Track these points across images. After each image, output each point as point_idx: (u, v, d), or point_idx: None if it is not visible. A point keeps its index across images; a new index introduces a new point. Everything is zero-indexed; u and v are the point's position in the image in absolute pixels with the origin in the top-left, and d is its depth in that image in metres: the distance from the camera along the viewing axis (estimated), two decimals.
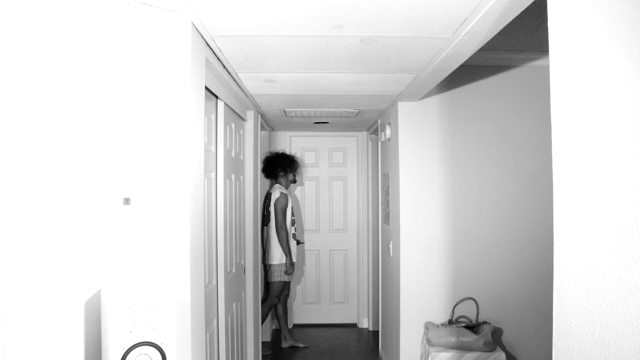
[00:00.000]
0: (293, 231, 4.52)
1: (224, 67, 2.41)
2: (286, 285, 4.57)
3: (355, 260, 5.39)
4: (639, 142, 0.91)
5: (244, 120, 3.50)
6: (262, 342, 4.22)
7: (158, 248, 1.69)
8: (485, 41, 1.97)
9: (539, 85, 3.36)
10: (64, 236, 1.58)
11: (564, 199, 1.16)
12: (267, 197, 4.55)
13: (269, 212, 4.45)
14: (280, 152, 4.76)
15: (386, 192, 3.91)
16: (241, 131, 3.41)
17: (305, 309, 5.37)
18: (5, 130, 1.52)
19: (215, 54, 2.19)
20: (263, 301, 4.42)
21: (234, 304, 3.08)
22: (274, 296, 4.45)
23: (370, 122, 4.56)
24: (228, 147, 2.89)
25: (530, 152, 3.39)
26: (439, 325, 3.24)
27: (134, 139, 1.66)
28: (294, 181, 4.66)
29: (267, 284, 4.49)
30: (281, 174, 4.56)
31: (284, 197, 4.41)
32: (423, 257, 3.39)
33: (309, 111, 3.96)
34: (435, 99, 3.39)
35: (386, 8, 1.67)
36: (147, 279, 1.68)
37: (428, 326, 3.26)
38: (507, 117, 3.40)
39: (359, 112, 3.96)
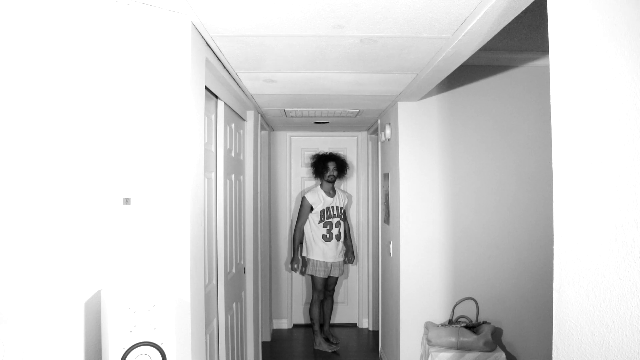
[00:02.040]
0: (323, 232, 4.60)
1: (224, 67, 2.41)
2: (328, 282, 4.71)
3: (355, 260, 5.39)
4: (639, 142, 0.91)
5: (244, 120, 3.50)
6: (263, 342, 4.23)
7: (158, 248, 1.69)
8: (485, 41, 1.97)
9: (539, 85, 3.36)
10: (64, 236, 1.58)
11: (564, 199, 1.16)
12: None
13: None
14: (322, 153, 4.87)
15: (386, 192, 3.91)
16: (241, 131, 3.41)
17: (305, 309, 5.37)
18: (6, 131, 1.52)
19: (215, 54, 2.19)
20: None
21: (234, 304, 3.08)
22: (315, 291, 4.65)
23: (370, 122, 4.56)
24: (228, 147, 2.89)
25: (530, 152, 3.39)
26: (439, 325, 3.24)
27: (134, 139, 1.66)
28: (328, 180, 4.68)
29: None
30: (318, 176, 4.75)
31: (305, 200, 4.64)
32: (423, 257, 3.39)
33: (309, 111, 3.96)
34: (435, 99, 3.39)
35: (386, 8, 1.67)
36: (147, 279, 1.68)
37: (428, 326, 3.26)
38: (507, 117, 3.40)
39: (359, 112, 3.96)
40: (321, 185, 4.71)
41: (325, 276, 4.59)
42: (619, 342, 0.96)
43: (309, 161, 5.04)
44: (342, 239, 4.64)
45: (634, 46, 0.93)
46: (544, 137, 3.35)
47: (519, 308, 3.41)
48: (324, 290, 4.67)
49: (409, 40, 2.02)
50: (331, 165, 4.65)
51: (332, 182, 4.68)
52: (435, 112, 3.40)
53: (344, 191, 4.95)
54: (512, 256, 3.40)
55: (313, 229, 4.60)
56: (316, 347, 4.64)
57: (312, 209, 4.59)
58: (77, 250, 1.59)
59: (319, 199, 4.62)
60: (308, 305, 5.34)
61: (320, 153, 4.85)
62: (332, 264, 4.59)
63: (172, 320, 1.56)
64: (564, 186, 1.17)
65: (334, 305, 5.17)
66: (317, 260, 4.56)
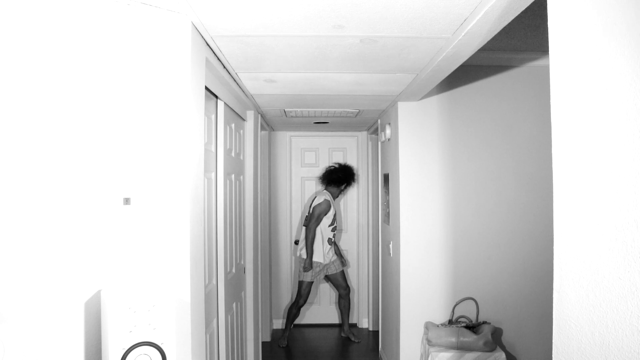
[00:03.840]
0: (330, 235, 4.70)
1: (224, 67, 2.41)
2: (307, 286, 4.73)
3: (355, 260, 5.39)
4: (639, 142, 0.91)
5: (244, 120, 3.50)
6: (263, 342, 4.23)
7: (158, 248, 1.69)
8: (485, 41, 1.97)
9: (539, 85, 3.36)
10: (64, 236, 1.58)
11: (564, 198, 1.16)
12: (312, 199, 4.85)
13: (309, 214, 4.71)
14: (343, 164, 4.98)
15: (386, 192, 3.91)
16: (241, 131, 3.41)
17: (305, 309, 5.36)
18: (6, 131, 1.52)
19: (215, 54, 2.19)
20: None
21: (234, 304, 3.08)
22: (300, 295, 4.69)
23: (370, 122, 4.56)
24: (228, 147, 2.89)
25: (530, 152, 3.39)
26: (439, 325, 3.24)
27: (134, 139, 1.66)
28: (342, 191, 4.91)
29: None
30: (337, 184, 4.82)
31: (326, 203, 4.68)
32: (423, 257, 3.39)
33: (309, 111, 3.96)
34: (435, 99, 3.39)
35: (386, 8, 1.67)
36: (147, 279, 1.68)
37: (428, 326, 3.26)
38: (507, 117, 3.40)
39: (359, 112, 3.96)
40: (331, 191, 4.82)
41: (314, 280, 4.67)
42: (619, 342, 0.96)
43: (328, 165, 5.05)
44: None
45: (634, 46, 0.93)
46: (544, 137, 3.35)
47: (519, 308, 3.41)
48: (306, 297, 4.73)
49: (409, 40, 2.02)
50: (353, 182, 4.94)
51: (343, 193, 5.00)
52: (435, 112, 3.40)
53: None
54: (512, 256, 3.40)
55: (322, 231, 4.66)
56: (280, 345, 4.72)
57: (327, 212, 4.69)
58: (77, 250, 1.59)
59: (332, 204, 4.77)
60: (308, 305, 5.35)
61: (340, 164, 4.93)
62: (325, 265, 4.68)
63: (172, 320, 1.56)
64: (564, 186, 1.17)
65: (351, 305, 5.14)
66: (316, 262, 4.64)
